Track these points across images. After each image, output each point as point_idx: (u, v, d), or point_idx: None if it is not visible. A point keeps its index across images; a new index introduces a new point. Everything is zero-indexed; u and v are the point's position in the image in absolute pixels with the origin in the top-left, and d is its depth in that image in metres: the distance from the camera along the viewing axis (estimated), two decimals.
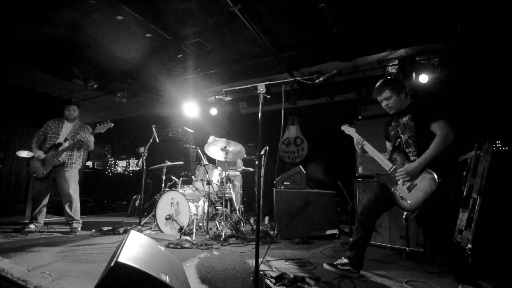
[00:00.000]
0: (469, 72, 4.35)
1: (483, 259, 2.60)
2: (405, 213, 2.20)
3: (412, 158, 2.14)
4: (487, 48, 3.98)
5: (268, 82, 1.87)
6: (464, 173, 3.00)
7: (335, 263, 2.36)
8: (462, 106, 4.34)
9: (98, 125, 3.82)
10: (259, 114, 1.79)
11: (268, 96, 1.86)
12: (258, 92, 1.81)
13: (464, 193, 2.89)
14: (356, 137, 2.53)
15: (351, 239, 2.46)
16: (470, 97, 4.35)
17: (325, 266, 2.32)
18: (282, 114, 2.02)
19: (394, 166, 2.20)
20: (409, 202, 2.06)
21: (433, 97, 4.52)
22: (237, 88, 2.04)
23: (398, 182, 2.14)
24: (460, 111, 4.34)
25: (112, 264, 1.21)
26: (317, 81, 1.96)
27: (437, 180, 1.93)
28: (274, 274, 2.03)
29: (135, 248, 1.42)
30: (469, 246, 2.64)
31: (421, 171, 2.01)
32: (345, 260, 2.35)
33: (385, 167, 2.27)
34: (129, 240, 1.50)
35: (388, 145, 2.50)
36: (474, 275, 1.96)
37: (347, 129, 2.70)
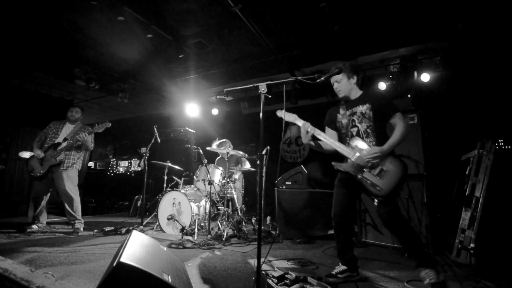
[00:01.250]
0: (471, 70, 4.32)
1: (486, 259, 2.59)
2: (376, 201, 2.14)
3: (372, 147, 2.14)
4: (490, 46, 3.96)
5: (269, 82, 1.86)
6: (467, 172, 2.98)
7: (333, 272, 2.29)
8: (465, 105, 4.32)
9: (96, 124, 3.80)
10: (261, 114, 1.78)
11: (270, 96, 1.85)
12: (259, 92, 1.80)
13: (467, 192, 2.88)
14: (304, 124, 2.20)
15: (336, 246, 2.35)
16: (472, 95, 4.32)
17: (326, 279, 2.28)
18: (284, 114, 2.01)
19: (358, 154, 2.12)
20: (380, 187, 2.04)
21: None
22: (238, 88, 2.02)
23: (365, 170, 2.11)
24: (462, 110, 4.32)
25: (115, 264, 1.21)
26: (318, 80, 1.95)
27: (404, 164, 2.05)
28: (276, 274, 2.03)
29: (137, 248, 1.43)
30: (472, 245, 2.62)
31: (388, 155, 2.08)
32: (342, 267, 2.29)
33: (348, 155, 2.16)
34: (131, 240, 1.51)
35: (331, 132, 2.41)
36: (432, 259, 2.15)
37: (288, 115, 2.21)
